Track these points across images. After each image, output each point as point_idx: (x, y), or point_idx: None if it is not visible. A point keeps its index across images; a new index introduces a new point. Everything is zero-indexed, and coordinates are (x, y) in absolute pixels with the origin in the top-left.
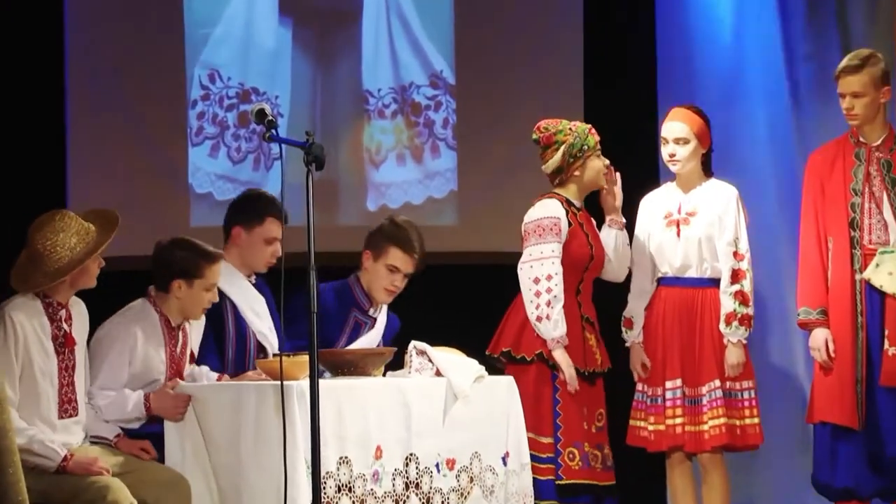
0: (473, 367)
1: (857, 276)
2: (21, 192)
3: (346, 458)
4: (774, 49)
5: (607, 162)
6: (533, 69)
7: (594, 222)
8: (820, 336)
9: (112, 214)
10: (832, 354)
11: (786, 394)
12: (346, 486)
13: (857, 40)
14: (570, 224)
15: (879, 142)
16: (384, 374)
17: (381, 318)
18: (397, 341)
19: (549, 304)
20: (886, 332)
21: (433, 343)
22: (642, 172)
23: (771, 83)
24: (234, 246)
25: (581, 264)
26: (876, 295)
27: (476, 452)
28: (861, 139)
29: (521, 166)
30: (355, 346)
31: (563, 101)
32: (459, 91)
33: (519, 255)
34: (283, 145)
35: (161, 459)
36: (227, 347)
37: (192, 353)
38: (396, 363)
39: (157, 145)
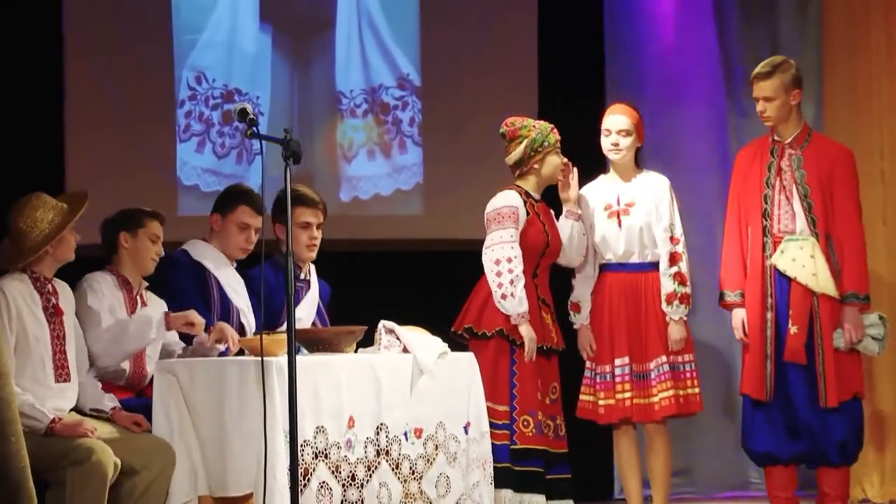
0: (437, 344)
1: (768, 262)
2: (22, 183)
3: (321, 427)
4: (712, 52)
5: (566, 160)
6: (491, 72)
7: (552, 213)
8: (737, 316)
9: (82, 194)
10: (747, 333)
11: (717, 368)
12: (322, 453)
13: (786, 43)
14: (527, 213)
15: (791, 139)
16: (356, 351)
17: (314, 280)
18: (335, 306)
19: (511, 282)
20: (790, 313)
21: (401, 323)
22: (592, 165)
23: (709, 84)
24: (213, 233)
25: (537, 250)
26: (784, 279)
27: (440, 422)
28: (776, 137)
29: (480, 161)
30: (300, 308)
31: (519, 100)
32: (424, 92)
33: (479, 242)
34: (264, 142)
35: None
36: (212, 317)
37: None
38: (367, 341)
39: (147, 141)
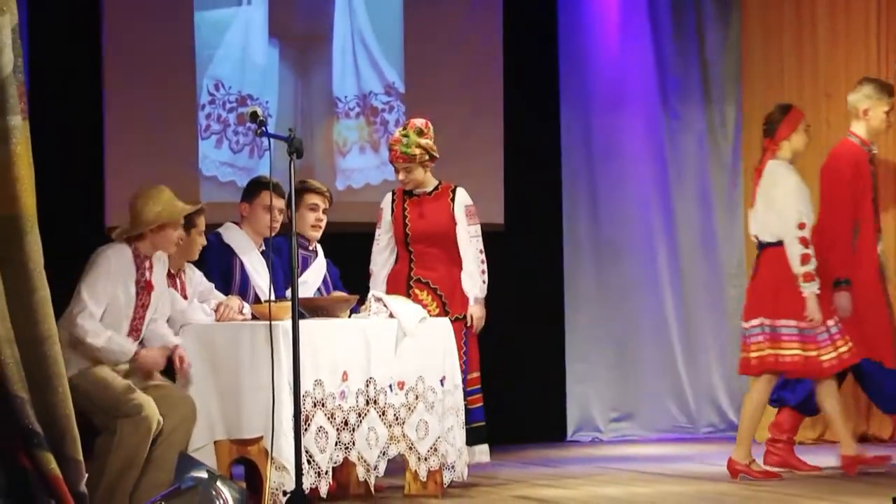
0: (418, 311)
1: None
2: (70, 174)
3: (319, 380)
4: (648, 62)
5: None
6: (464, 79)
7: None
8: (845, 298)
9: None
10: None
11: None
12: (320, 402)
13: (712, 55)
14: None
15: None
16: (349, 316)
17: (321, 252)
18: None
19: (484, 272)
20: None
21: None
22: (546, 163)
23: (647, 90)
24: (244, 219)
25: None
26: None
27: (420, 376)
28: (871, 147)
29: (454, 156)
30: (307, 273)
31: (488, 103)
32: (407, 98)
33: None
34: (272, 139)
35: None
36: (232, 292)
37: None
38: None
39: (174, 138)
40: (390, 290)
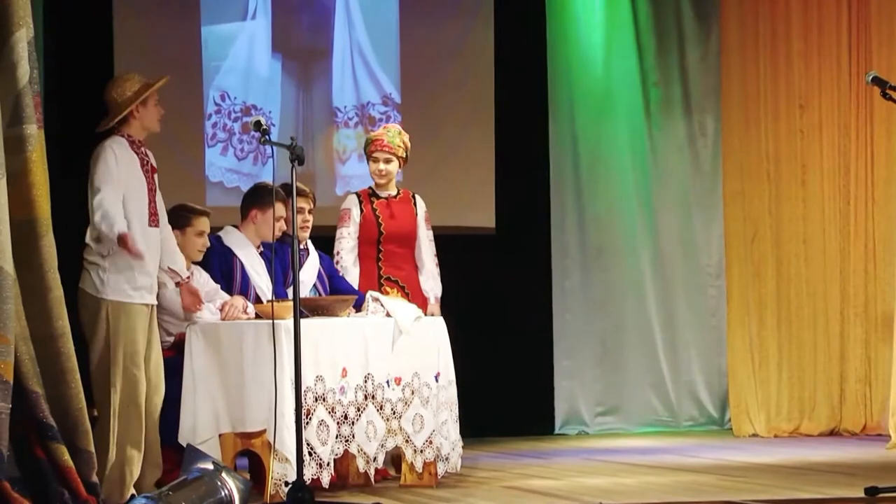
0: (414, 310)
1: None
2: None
3: (320, 376)
4: (633, 76)
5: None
6: (457, 91)
7: None
8: None
9: (162, 77)
10: None
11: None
12: (321, 397)
13: (692, 69)
14: None
15: None
16: (348, 315)
17: (312, 250)
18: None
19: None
20: None
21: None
22: (535, 171)
23: (631, 102)
24: (250, 223)
25: None
26: None
27: (416, 372)
28: None
29: (448, 162)
30: (303, 271)
31: (479, 113)
32: (403, 108)
33: (448, 228)
34: (274, 147)
35: (179, 383)
36: (233, 292)
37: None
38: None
39: (182, 146)
40: (362, 288)
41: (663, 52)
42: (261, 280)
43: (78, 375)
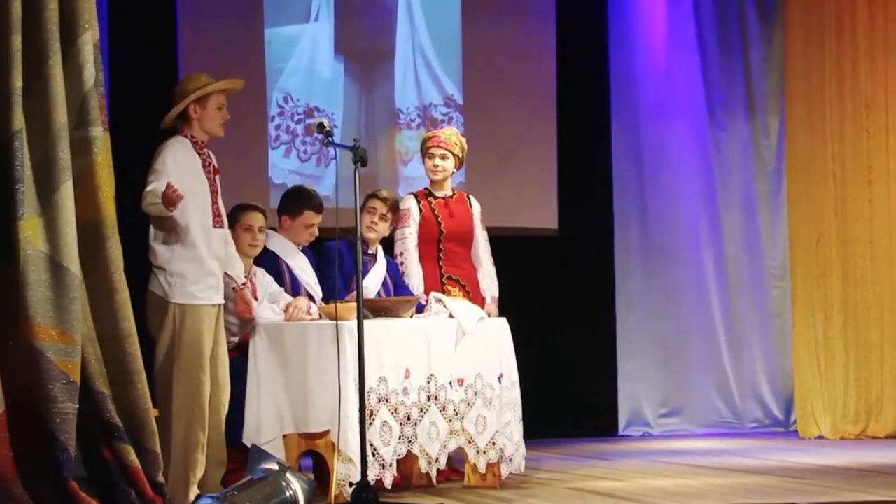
0: (477, 311)
1: None
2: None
3: (383, 377)
4: (696, 78)
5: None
6: (519, 93)
7: None
8: None
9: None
10: None
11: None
12: (384, 397)
13: (755, 70)
14: None
15: None
16: (411, 317)
17: (381, 256)
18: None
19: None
20: None
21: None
22: (597, 171)
23: (693, 103)
24: (282, 228)
25: None
26: None
27: (479, 373)
28: None
29: (510, 162)
30: (369, 278)
31: (541, 114)
32: (466, 109)
33: (510, 229)
34: (337, 149)
35: (243, 384)
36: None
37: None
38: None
39: (245, 148)
40: (426, 288)
41: (726, 52)
42: (308, 277)
43: (144, 377)
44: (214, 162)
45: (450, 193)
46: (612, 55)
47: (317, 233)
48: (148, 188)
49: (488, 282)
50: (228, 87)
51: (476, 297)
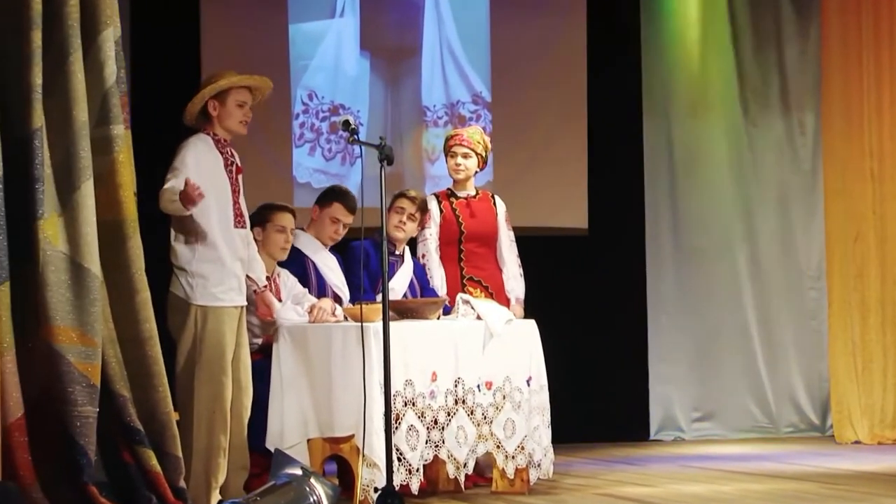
0: (505, 313)
1: None
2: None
3: (410, 380)
4: (730, 73)
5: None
6: (549, 89)
7: None
8: None
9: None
10: None
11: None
12: (411, 401)
13: (791, 64)
14: None
15: None
16: (438, 318)
17: (409, 257)
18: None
19: (522, 275)
20: None
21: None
22: (629, 169)
23: (727, 99)
24: (312, 222)
25: None
26: None
27: (507, 376)
28: None
29: (539, 161)
30: (395, 279)
31: (572, 113)
32: (494, 106)
33: (538, 228)
34: (363, 147)
35: (266, 387)
36: (311, 293)
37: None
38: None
39: (269, 147)
40: (447, 289)
41: (761, 47)
42: (335, 277)
43: (165, 379)
44: (237, 161)
45: (472, 193)
46: (644, 50)
47: (342, 233)
48: (166, 185)
49: (513, 283)
50: (249, 83)
51: (500, 298)
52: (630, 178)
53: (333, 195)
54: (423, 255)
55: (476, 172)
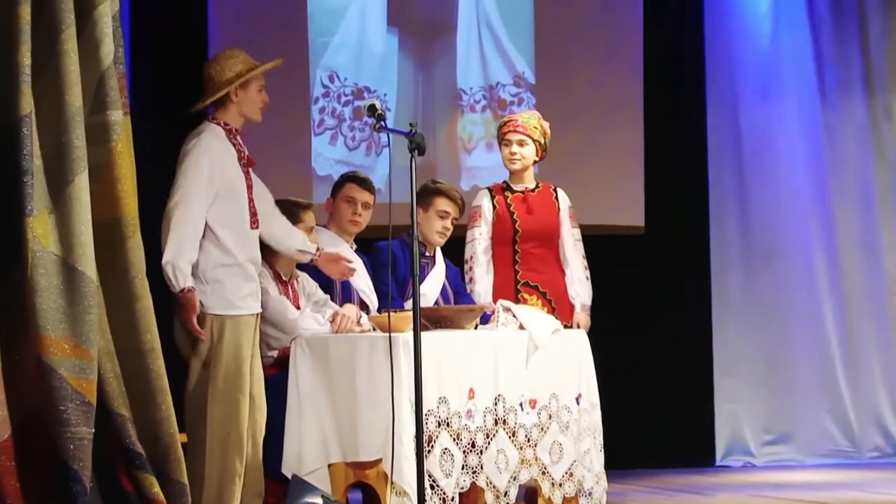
0: (551, 321)
1: None
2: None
3: (444, 398)
4: (805, 52)
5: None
6: (600, 69)
7: None
8: None
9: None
10: None
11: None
12: (445, 421)
13: (875, 45)
14: None
15: None
16: (476, 328)
17: (440, 258)
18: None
19: (588, 278)
20: None
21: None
22: (690, 161)
23: (802, 82)
24: (330, 216)
25: None
26: None
27: (554, 393)
28: None
29: (589, 151)
30: (426, 283)
31: (625, 95)
32: (538, 89)
33: (587, 227)
34: (391, 134)
35: (283, 405)
36: (335, 299)
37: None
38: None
39: (285, 135)
40: (497, 296)
41: (840, 25)
42: (362, 281)
43: (169, 397)
44: (247, 151)
45: (531, 186)
46: (708, 27)
47: (363, 214)
48: (175, 226)
49: (577, 287)
50: (273, 66)
51: (562, 305)
52: (692, 169)
53: (343, 178)
54: (470, 258)
55: (535, 162)
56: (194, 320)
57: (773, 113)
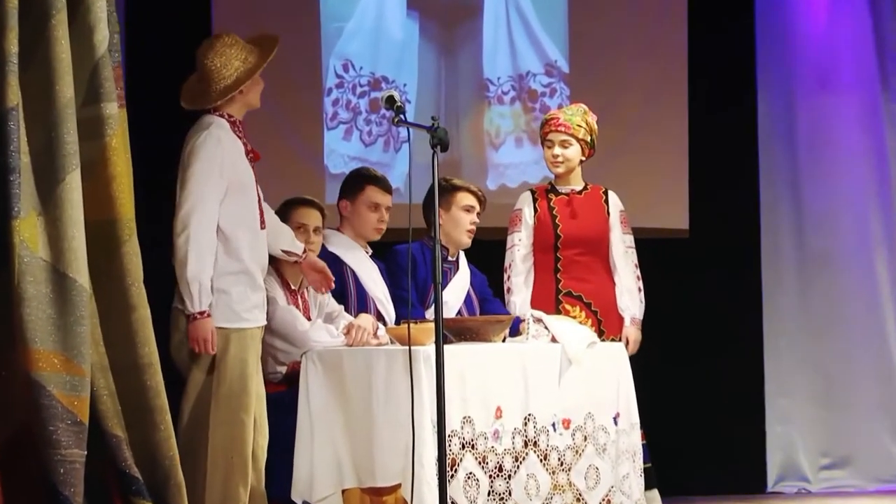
0: (586, 333)
1: None
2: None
3: (468, 417)
4: (865, 41)
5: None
6: (641, 58)
7: None
8: None
9: (272, 37)
10: None
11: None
12: (469, 443)
13: None
14: None
15: None
16: (503, 340)
17: (464, 263)
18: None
19: (641, 289)
20: None
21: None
22: (739, 157)
23: (862, 73)
24: (344, 220)
25: None
26: None
27: (589, 413)
28: None
29: (628, 150)
30: (448, 291)
31: (669, 86)
32: (572, 79)
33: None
34: (411, 129)
35: (292, 425)
36: (350, 309)
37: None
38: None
39: (295, 129)
40: (535, 306)
41: None
42: (378, 289)
43: (168, 416)
44: (250, 146)
45: (578, 188)
46: (759, 12)
47: (385, 219)
48: (191, 236)
49: (627, 299)
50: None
51: (610, 318)
52: (742, 168)
53: (361, 179)
54: (509, 266)
55: (581, 161)
56: (210, 346)
57: (831, 104)
